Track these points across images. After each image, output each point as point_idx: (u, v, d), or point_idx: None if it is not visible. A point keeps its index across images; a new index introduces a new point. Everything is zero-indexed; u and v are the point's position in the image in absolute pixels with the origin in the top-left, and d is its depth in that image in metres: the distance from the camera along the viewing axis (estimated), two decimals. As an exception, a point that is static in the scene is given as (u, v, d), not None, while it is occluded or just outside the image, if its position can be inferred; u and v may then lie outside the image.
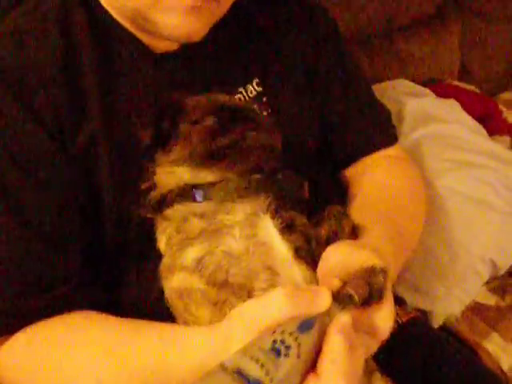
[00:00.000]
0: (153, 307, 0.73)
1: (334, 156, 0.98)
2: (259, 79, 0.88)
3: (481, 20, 1.96)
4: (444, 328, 1.17)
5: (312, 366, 0.52)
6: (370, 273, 0.58)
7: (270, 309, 0.55)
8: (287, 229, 0.70)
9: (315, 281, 0.67)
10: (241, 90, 0.86)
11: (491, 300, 1.22)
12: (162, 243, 0.75)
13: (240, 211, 0.71)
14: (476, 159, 1.24)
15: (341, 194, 0.94)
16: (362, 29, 1.64)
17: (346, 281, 0.58)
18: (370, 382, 0.74)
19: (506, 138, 1.57)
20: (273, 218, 0.70)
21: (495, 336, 1.16)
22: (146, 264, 0.76)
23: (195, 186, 0.74)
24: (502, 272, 1.22)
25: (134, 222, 0.79)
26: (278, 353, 0.50)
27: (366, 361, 0.74)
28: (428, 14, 1.82)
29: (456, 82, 1.82)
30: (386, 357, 0.77)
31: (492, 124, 1.60)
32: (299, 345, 0.50)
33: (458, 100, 1.47)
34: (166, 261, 0.73)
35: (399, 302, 1.13)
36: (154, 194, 0.77)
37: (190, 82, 0.83)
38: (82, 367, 0.69)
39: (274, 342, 0.50)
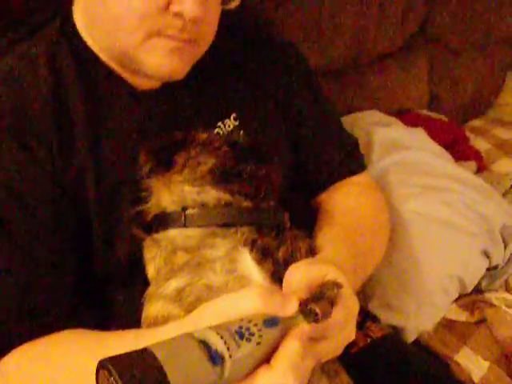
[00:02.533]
0: (139, 325, 0.76)
1: (307, 182, 1.04)
2: (236, 113, 0.93)
3: (448, 51, 2.04)
4: (417, 343, 1.21)
5: (268, 360, 0.57)
6: (324, 286, 0.64)
7: (242, 303, 0.59)
8: (263, 256, 0.74)
9: None
10: (219, 124, 0.91)
11: (461, 316, 1.26)
12: (150, 271, 0.79)
13: (221, 246, 0.75)
14: (441, 183, 1.30)
15: (312, 218, 0.99)
16: (332, 63, 1.67)
17: (310, 296, 0.63)
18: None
19: (472, 163, 1.65)
20: (251, 250, 0.74)
21: (466, 350, 1.20)
22: (134, 287, 0.80)
23: (186, 208, 0.78)
24: (469, 289, 1.26)
25: (122, 248, 0.83)
26: (241, 336, 0.55)
27: (331, 362, 0.79)
28: (397, 46, 1.87)
29: (425, 112, 1.90)
30: (360, 371, 0.82)
31: (459, 150, 1.67)
32: (261, 336, 0.56)
33: (426, 128, 1.54)
34: (150, 289, 0.77)
35: (372, 318, 1.17)
36: (150, 213, 0.81)
37: (172, 117, 0.88)
38: (69, 375, 0.73)
39: (240, 327, 0.56)
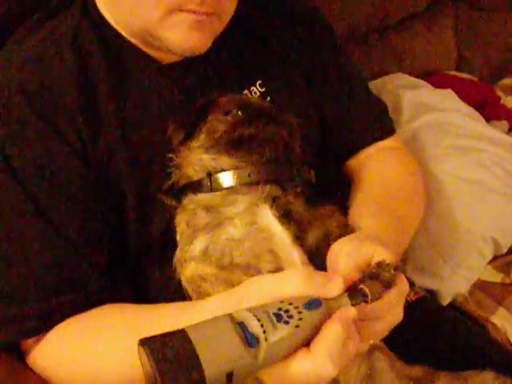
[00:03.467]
0: (174, 295, 0.78)
1: (336, 149, 1.03)
2: (262, 81, 0.93)
3: (474, 9, 1.98)
4: (452, 306, 1.21)
5: (308, 344, 0.57)
6: (379, 267, 0.63)
7: (286, 285, 0.59)
8: (285, 217, 0.75)
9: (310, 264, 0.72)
10: (245, 92, 0.91)
11: (496, 277, 1.26)
12: (177, 236, 0.81)
13: (241, 202, 0.76)
14: (473, 144, 1.28)
15: (344, 184, 0.99)
16: (358, 26, 1.65)
17: (360, 278, 0.62)
18: (370, 360, 0.78)
19: (504, 123, 1.61)
20: (271, 206, 0.75)
21: (502, 311, 1.19)
22: (167, 260, 0.81)
23: (211, 174, 0.79)
24: (504, 250, 1.25)
25: (157, 221, 0.84)
26: (279, 319, 0.55)
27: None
28: (422, 7, 1.83)
29: (453, 72, 1.86)
30: (395, 334, 0.82)
31: (490, 110, 1.64)
32: (300, 319, 0.56)
33: (455, 89, 1.51)
34: (177, 254, 0.79)
35: (408, 282, 1.17)
36: (178, 183, 0.83)
37: (197, 87, 0.88)
38: (112, 350, 0.75)
39: (279, 309, 0.56)
